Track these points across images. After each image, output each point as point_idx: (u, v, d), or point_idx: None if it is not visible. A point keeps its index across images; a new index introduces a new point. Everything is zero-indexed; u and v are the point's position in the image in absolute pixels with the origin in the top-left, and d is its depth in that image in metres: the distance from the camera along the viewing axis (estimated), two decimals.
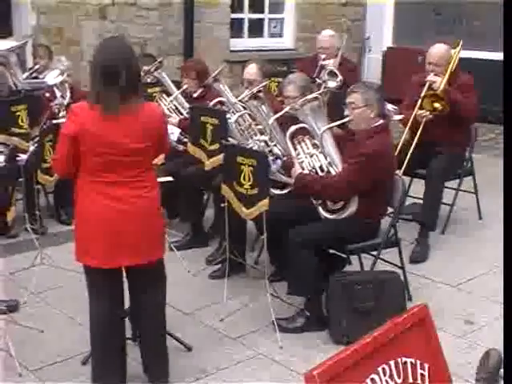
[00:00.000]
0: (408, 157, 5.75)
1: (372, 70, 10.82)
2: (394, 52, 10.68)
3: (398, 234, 4.74)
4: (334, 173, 4.42)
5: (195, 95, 6.06)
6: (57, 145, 3.60)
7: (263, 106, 4.86)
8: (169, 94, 6.16)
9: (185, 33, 8.64)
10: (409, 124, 5.86)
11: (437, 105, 5.75)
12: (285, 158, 4.72)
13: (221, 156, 4.79)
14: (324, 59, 6.82)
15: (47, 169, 5.42)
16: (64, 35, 9.24)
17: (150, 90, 6.16)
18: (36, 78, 6.81)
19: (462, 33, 9.44)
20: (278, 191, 4.73)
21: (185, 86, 6.05)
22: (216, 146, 5.03)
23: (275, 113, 4.81)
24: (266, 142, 4.86)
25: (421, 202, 5.95)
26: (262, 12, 9.96)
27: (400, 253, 4.77)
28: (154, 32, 8.55)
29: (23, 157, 5.10)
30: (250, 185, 4.35)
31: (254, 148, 4.76)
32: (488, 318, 4.58)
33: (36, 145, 5.18)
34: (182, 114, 6.05)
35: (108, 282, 3.58)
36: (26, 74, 6.84)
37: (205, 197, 6.00)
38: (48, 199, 6.39)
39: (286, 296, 4.54)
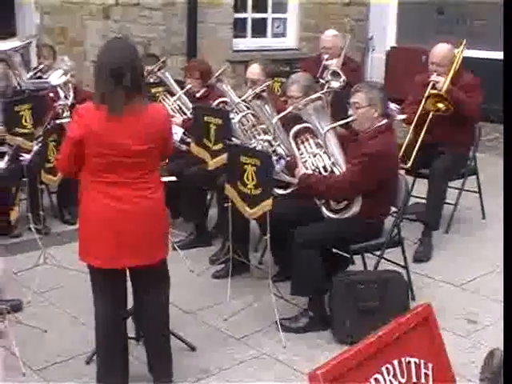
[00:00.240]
0: (413, 156, 5.76)
1: (375, 69, 10.80)
2: (397, 52, 10.65)
3: (402, 234, 4.74)
4: (337, 173, 4.42)
5: (198, 95, 6.05)
6: (61, 145, 3.60)
7: (266, 106, 4.86)
8: (172, 94, 6.16)
9: (188, 33, 8.63)
10: (413, 123, 5.86)
11: (440, 105, 5.74)
12: (288, 158, 4.71)
13: (224, 156, 4.80)
14: (327, 59, 6.83)
15: (51, 169, 5.44)
16: (67, 35, 9.23)
17: (153, 90, 6.16)
18: (40, 77, 6.82)
19: (465, 32, 9.41)
20: (281, 191, 4.73)
21: (188, 86, 6.05)
22: (219, 146, 5.04)
23: (278, 113, 4.81)
24: (269, 141, 4.86)
25: (424, 201, 5.95)
26: (265, 12, 9.95)
27: (403, 252, 4.77)
28: (158, 32, 8.54)
29: (27, 157, 5.10)
30: (254, 185, 4.36)
31: (257, 148, 4.76)
32: (491, 317, 4.58)
33: (40, 145, 5.18)
34: (185, 114, 6.04)
35: (110, 282, 3.58)
36: (30, 73, 6.85)
37: (208, 196, 6.01)
38: (51, 199, 6.40)
39: (290, 296, 4.55)
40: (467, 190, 6.27)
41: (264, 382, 3.87)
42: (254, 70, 5.56)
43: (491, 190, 6.51)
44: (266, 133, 4.94)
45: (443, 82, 5.73)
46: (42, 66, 7.07)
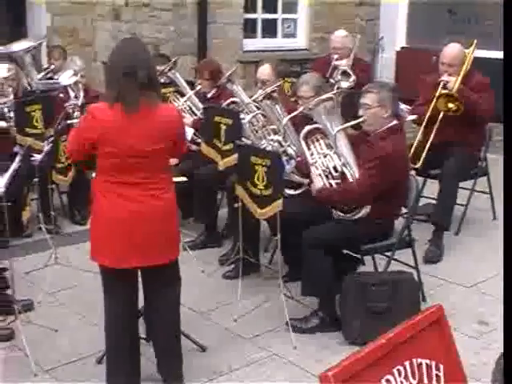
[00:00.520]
0: (423, 156, 5.75)
1: (385, 70, 10.78)
2: (408, 52, 10.64)
3: (412, 235, 4.73)
4: (347, 173, 4.39)
5: (209, 95, 6.07)
6: (72, 138, 3.58)
7: (277, 106, 4.86)
8: (182, 95, 6.17)
9: (198, 33, 8.66)
10: (423, 123, 5.84)
11: (451, 105, 5.72)
12: (299, 159, 4.71)
13: (234, 156, 4.80)
14: (337, 59, 6.82)
15: (62, 169, 5.45)
16: (78, 36, 9.27)
17: (163, 91, 6.17)
18: (51, 78, 6.85)
19: (476, 33, 9.38)
20: (291, 191, 4.73)
21: (199, 87, 6.06)
22: (230, 146, 5.03)
23: (289, 113, 4.81)
24: (279, 142, 4.86)
25: (435, 202, 5.93)
26: (276, 12, 9.96)
27: (414, 253, 4.75)
28: (168, 32, 8.57)
29: (38, 157, 5.13)
30: (264, 185, 4.35)
31: (267, 148, 4.76)
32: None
33: (51, 145, 5.20)
34: (195, 115, 6.05)
35: (121, 282, 3.58)
36: (41, 74, 6.87)
37: (218, 197, 6.01)
38: (62, 199, 6.42)
39: (300, 296, 4.54)
40: (478, 191, 6.25)
41: (274, 383, 3.87)
42: (265, 71, 5.56)
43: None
44: (276, 133, 4.94)
45: (454, 82, 5.71)
46: (52, 67, 7.11)
